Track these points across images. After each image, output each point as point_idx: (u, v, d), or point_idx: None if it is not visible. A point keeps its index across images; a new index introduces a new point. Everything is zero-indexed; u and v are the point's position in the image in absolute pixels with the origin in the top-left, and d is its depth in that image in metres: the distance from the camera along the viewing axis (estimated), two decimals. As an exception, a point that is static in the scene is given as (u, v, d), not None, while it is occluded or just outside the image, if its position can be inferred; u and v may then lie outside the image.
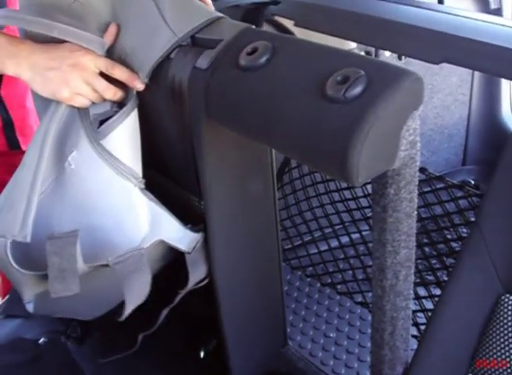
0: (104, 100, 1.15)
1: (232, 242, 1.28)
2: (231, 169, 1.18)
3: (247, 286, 1.36)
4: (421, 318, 1.61)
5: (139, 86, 1.12)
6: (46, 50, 1.13)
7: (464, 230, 1.70)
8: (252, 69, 0.96)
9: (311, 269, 1.85)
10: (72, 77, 1.11)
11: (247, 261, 1.33)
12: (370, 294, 1.75)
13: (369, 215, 1.85)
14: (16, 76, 1.15)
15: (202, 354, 1.58)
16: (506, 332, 1.11)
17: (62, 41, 1.13)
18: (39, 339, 1.71)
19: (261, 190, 1.25)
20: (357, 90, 0.82)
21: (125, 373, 1.63)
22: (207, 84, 1.00)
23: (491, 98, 2.29)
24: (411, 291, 1.11)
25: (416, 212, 1.01)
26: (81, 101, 1.13)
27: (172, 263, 1.30)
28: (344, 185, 1.84)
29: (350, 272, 1.81)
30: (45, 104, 1.17)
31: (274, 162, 1.21)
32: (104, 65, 1.13)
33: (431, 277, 1.69)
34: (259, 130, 0.93)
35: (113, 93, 1.14)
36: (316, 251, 1.86)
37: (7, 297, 1.91)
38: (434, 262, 1.71)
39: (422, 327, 1.52)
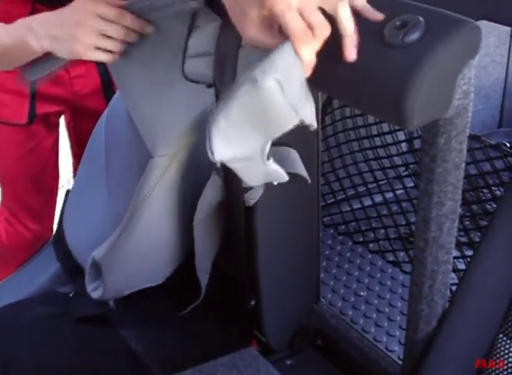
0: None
1: (273, 191, 1.28)
2: None
3: (285, 239, 1.37)
4: (453, 279, 1.60)
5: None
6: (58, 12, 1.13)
7: (498, 192, 1.69)
8: None
9: (343, 227, 1.85)
10: (79, 31, 1.09)
11: (287, 212, 1.34)
12: (402, 254, 1.75)
13: (404, 174, 1.85)
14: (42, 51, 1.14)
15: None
16: None
17: None
18: (70, 293, 1.72)
19: (303, 139, 1.25)
20: (416, 35, 0.83)
21: (155, 326, 1.65)
22: None
23: (529, 60, 2.25)
24: (453, 245, 1.11)
25: (464, 165, 1.00)
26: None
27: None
28: (378, 142, 1.83)
29: (383, 231, 1.81)
30: None
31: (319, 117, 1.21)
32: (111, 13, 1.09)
33: (463, 238, 1.68)
34: (313, 75, 0.93)
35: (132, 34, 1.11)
36: (349, 209, 1.85)
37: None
38: (467, 222, 1.71)
39: (453, 287, 1.52)
